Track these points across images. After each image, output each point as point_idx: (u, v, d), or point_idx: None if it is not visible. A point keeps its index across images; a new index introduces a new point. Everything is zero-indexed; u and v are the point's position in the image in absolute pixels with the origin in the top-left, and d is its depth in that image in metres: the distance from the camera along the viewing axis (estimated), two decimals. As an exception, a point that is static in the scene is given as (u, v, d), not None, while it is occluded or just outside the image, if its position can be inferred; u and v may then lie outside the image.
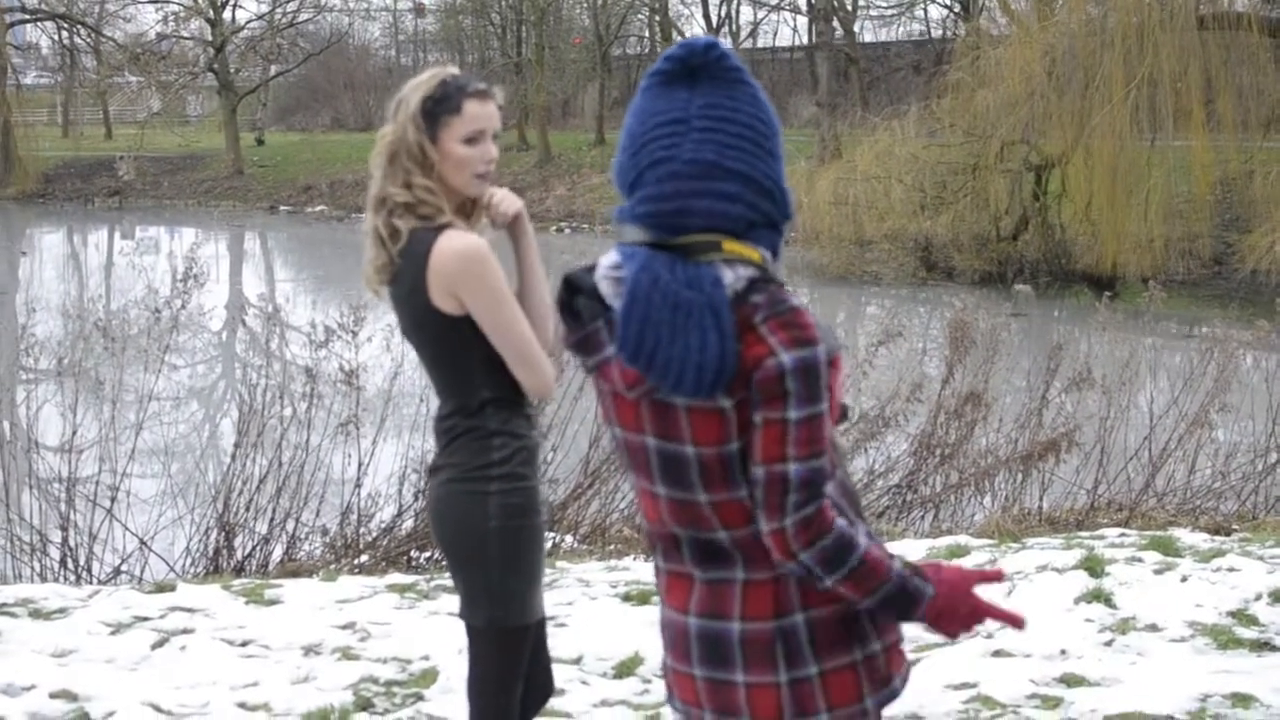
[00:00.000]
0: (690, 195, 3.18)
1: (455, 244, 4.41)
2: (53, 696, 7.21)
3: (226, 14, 73.47)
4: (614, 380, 3.26)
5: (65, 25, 78.03)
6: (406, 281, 4.45)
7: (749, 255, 3.24)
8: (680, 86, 3.25)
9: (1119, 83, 33.92)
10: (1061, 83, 35.47)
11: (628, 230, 3.25)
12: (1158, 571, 9.75)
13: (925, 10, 76.85)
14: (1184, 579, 9.45)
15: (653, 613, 8.18)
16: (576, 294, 3.31)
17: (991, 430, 15.09)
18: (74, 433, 12.36)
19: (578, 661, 7.78)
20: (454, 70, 4.61)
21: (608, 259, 3.27)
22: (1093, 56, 34.92)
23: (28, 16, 75.80)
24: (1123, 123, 34.32)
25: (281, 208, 63.63)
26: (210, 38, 72.22)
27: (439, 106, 4.50)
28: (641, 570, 10.08)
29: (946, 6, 71.76)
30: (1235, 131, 35.48)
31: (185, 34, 75.60)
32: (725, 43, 3.25)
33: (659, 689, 7.24)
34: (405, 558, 11.76)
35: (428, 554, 11.63)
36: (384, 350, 12.98)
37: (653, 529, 3.44)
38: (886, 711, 6.88)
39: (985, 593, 3.31)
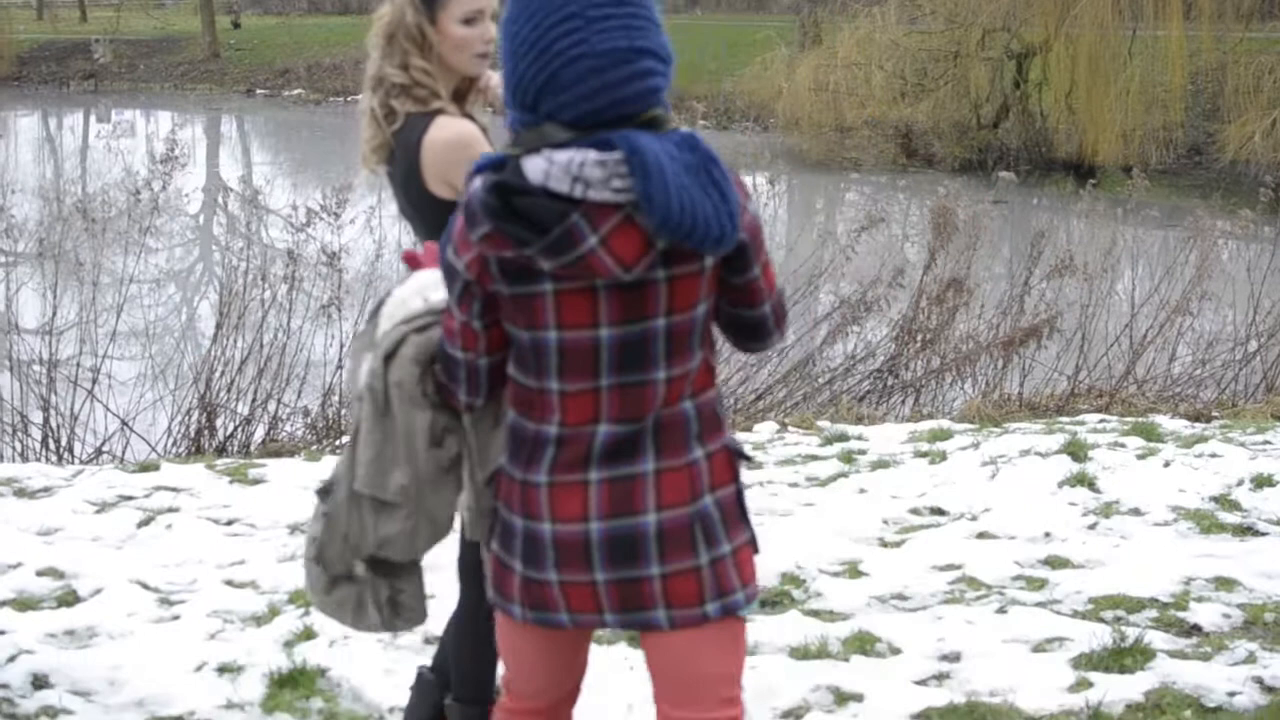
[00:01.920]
0: (616, 85, 3.23)
1: (446, 132, 4.36)
2: (39, 574, 7.20)
3: (202, -106, 72.73)
4: (601, 267, 3.24)
5: (39, -94, 77.34)
6: (402, 165, 4.42)
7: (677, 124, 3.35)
8: None
9: (1102, -30, 33.80)
10: (1044, -32, 35.35)
11: (547, 131, 3.25)
12: (1140, 456, 9.79)
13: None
14: (1166, 464, 9.48)
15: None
16: (513, 198, 3.23)
17: (973, 316, 15.12)
18: (53, 314, 12.32)
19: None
20: None
21: (559, 158, 3.20)
22: (1075, -57, 34.75)
23: (1, -103, 75.13)
24: (1104, 11, 34.25)
25: (258, 91, 63.16)
26: (185, -82, 71.61)
27: None
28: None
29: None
30: (1213, 22, 35.38)
31: (160, -86, 75.00)
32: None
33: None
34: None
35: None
36: (365, 232, 12.93)
37: (570, 433, 3.40)
38: (874, 592, 6.92)
39: None
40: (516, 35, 3.30)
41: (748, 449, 10.45)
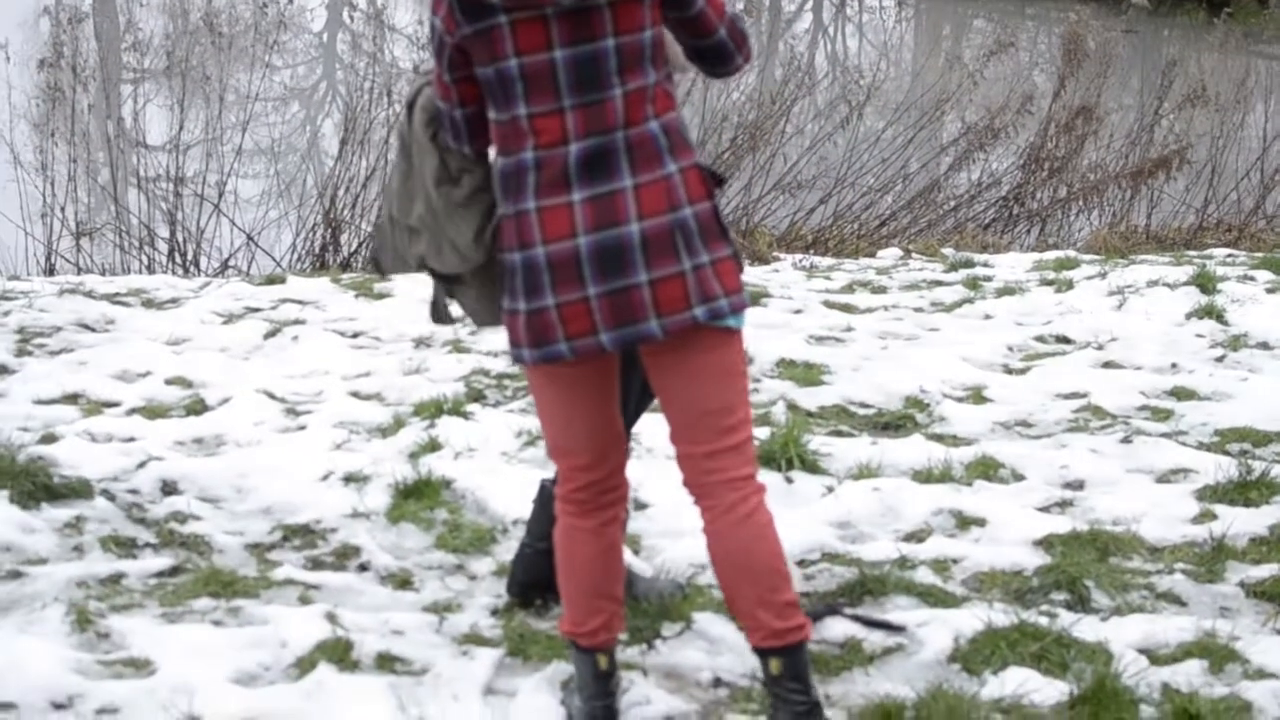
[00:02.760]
0: None
1: None
2: (168, 383, 7.30)
3: None
4: None
5: None
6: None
7: None
8: None
9: None
10: None
11: None
12: (1270, 290, 9.68)
13: None
14: (1296, 297, 9.36)
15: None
16: None
17: (1101, 146, 14.93)
18: (180, 130, 12.37)
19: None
20: None
21: None
22: None
23: None
24: None
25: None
26: None
27: None
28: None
29: None
30: None
31: None
32: None
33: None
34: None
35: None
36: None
37: (544, 155, 3.68)
38: (998, 418, 6.90)
39: None
40: None
41: (874, 274, 10.41)
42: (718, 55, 3.89)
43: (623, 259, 3.63)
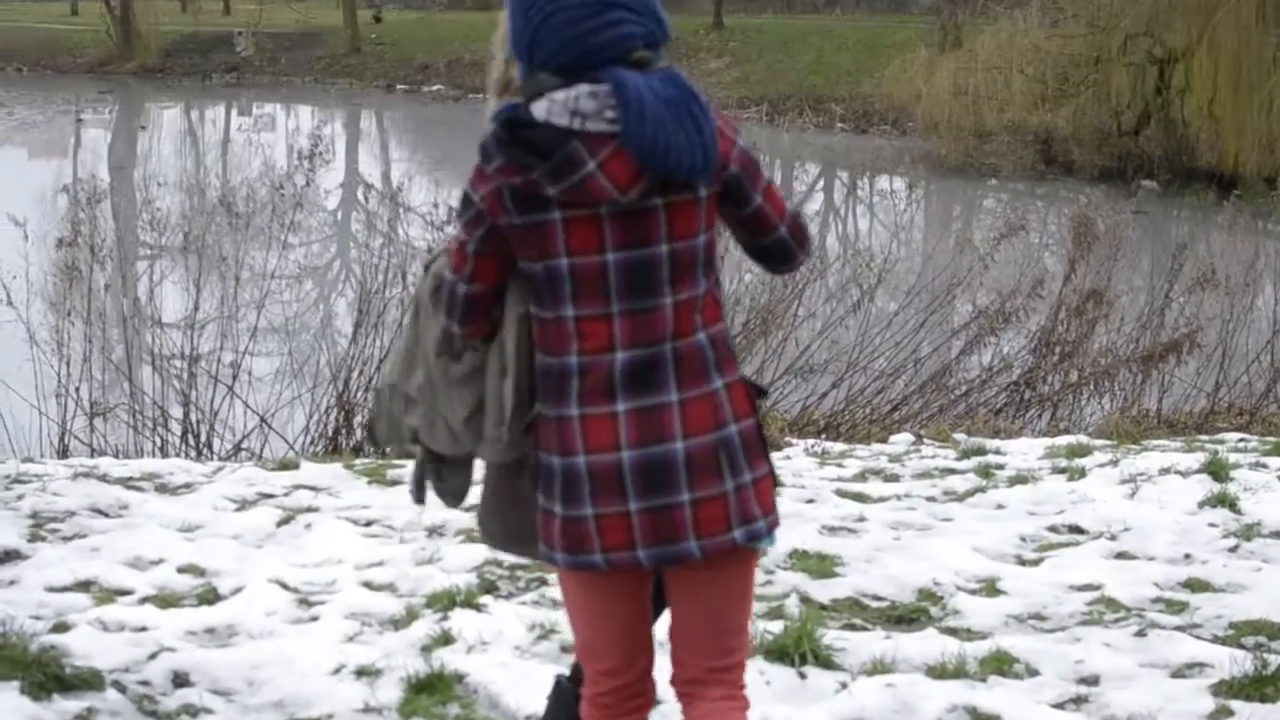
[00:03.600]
0: (590, 33, 3.57)
1: None
2: (180, 571, 7.29)
3: (346, -113, 73.14)
4: (600, 189, 3.54)
5: (186, -102, 78.16)
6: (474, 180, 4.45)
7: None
8: None
9: (1246, -25, 33.39)
10: (1186, -28, 34.94)
11: (540, 79, 3.61)
12: (1282, 478, 9.66)
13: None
14: (1309, 486, 9.35)
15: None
16: (521, 131, 3.56)
17: (1112, 329, 14.99)
18: (195, 309, 12.46)
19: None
20: None
21: (558, 96, 3.56)
22: (1219, -52, 34.33)
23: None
24: (1249, 16, 33.84)
25: (398, 86, 63.64)
26: (329, -86, 72.09)
27: None
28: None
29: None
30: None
31: (304, -90, 75.63)
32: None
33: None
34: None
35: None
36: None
37: (589, 361, 3.65)
38: (1011, 610, 6.87)
39: None
40: None
41: (886, 461, 10.41)
42: (778, 253, 3.90)
43: (666, 477, 3.61)
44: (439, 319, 3.86)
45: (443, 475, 4.06)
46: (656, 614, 4.57)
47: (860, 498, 9.26)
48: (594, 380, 3.64)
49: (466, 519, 8.16)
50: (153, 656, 6.11)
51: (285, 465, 9.77)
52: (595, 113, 3.53)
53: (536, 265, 3.65)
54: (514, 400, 3.81)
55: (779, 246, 3.87)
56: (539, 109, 3.55)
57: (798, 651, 6.14)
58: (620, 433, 3.62)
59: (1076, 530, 8.62)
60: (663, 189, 3.57)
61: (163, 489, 8.99)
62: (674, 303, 3.65)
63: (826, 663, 6.17)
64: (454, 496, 4.11)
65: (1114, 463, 10.09)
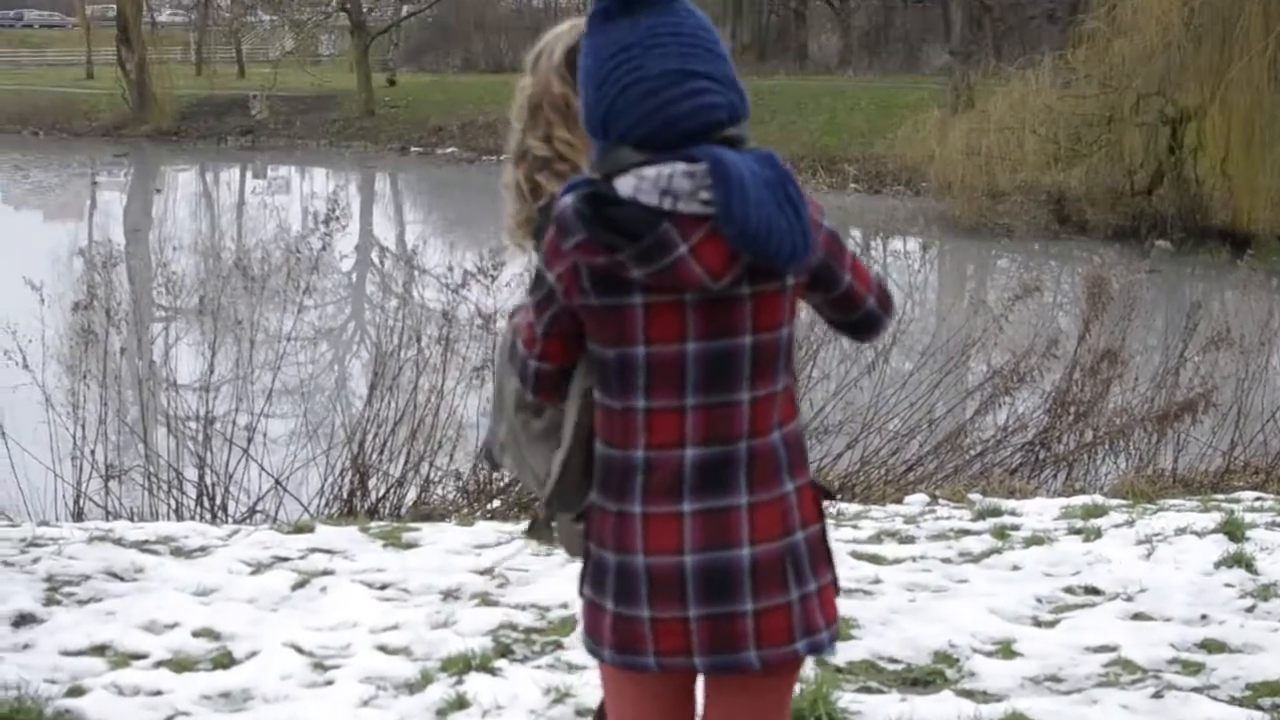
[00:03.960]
0: (670, 103, 3.39)
1: None
2: (195, 635, 7.29)
3: (360, -48, 73.51)
4: (691, 275, 3.35)
5: (200, -36, 78.63)
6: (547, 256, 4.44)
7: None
8: (620, 18, 3.45)
9: (1258, 34, 33.44)
10: (1199, 33, 35.02)
11: (621, 154, 3.42)
12: (1299, 537, 9.63)
13: (1060, -41, 75.57)
14: (1326, 546, 9.32)
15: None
16: (606, 207, 3.37)
17: (1127, 389, 14.98)
18: (210, 370, 12.49)
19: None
20: None
21: (648, 173, 3.36)
22: (1231, 7, 34.39)
23: (164, -46, 76.64)
24: (1261, 76, 33.84)
25: (412, 149, 63.77)
26: (343, -23, 72.38)
27: None
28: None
29: (1083, -45, 70.81)
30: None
31: (318, -27, 76.02)
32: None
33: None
34: (537, 503, 11.77)
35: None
36: (520, 294, 12.97)
37: (657, 456, 3.47)
38: (1028, 672, 6.85)
39: None
40: (584, 68, 3.52)
41: (901, 523, 10.39)
42: (865, 326, 3.75)
43: (730, 584, 3.43)
44: (514, 379, 3.75)
45: (551, 519, 3.89)
46: None
47: (876, 559, 9.24)
48: (660, 477, 3.47)
49: (480, 582, 8.19)
50: (168, 721, 6.12)
51: (300, 528, 9.77)
52: (689, 193, 3.33)
53: (609, 351, 3.47)
54: (558, 476, 3.69)
55: (866, 320, 3.71)
56: (625, 185, 3.36)
57: (814, 715, 6.14)
58: (685, 535, 3.44)
59: (1092, 591, 8.60)
60: (751, 277, 3.39)
61: (178, 552, 8.99)
62: (752, 399, 3.47)
63: (843, 726, 6.17)
64: (568, 548, 3.94)
65: (1130, 523, 10.07)
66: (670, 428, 3.46)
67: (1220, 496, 12.03)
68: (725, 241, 3.33)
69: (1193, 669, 7.16)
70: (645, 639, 3.49)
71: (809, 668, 6.92)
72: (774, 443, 3.50)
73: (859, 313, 3.68)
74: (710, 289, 3.36)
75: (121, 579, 8.31)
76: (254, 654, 7.01)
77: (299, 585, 8.28)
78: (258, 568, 8.65)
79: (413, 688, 6.60)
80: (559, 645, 7.10)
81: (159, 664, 6.88)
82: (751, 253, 3.32)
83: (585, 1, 76.02)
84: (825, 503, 3.70)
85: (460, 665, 6.70)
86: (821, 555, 3.59)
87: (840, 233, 3.60)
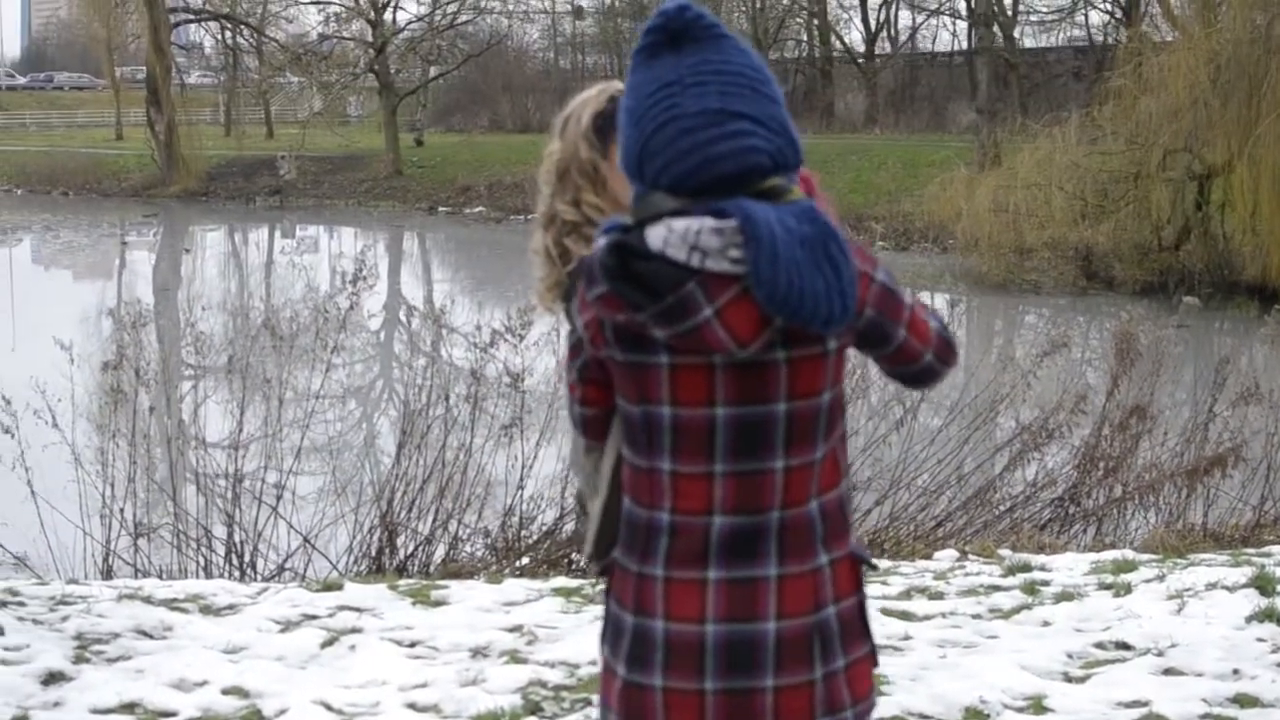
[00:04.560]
0: (707, 144, 3.18)
1: None
2: (224, 693, 7.30)
3: (387, 15, 73.67)
4: (715, 340, 3.16)
5: (229, 26, 79.16)
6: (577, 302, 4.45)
7: (800, 195, 3.27)
8: (666, 54, 3.29)
9: (1285, 91, 33.46)
10: (1226, 90, 35.00)
11: (655, 199, 3.23)
12: (1330, 592, 9.58)
13: (1086, 16, 75.51)
14: (1358, 600, 9.27)
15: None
16: (633, 260, 3.18)
17: (1156, 444, 14.93)
18: (240, 429, 12.52)
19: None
20: (619, 85, 4.55)
21: (677, 225, 3.16)
22: (1258, 64, 34.44)
23: (192, 17, 77.22)
24: (1289, 131, 33.82)
25: (440, 208, 63.91)
26: (371, 39, 72.68)
27: (610, 123, 4.42)
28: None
29: (1108, 12, 70.94)
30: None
31: (346, 35, 76.53)
32: (695, 3, 3.30)
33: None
34: (566, 561, 11.79)
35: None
36: (548, 353, 13.01)
37: (683, 521, 3.28)
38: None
39: None
40: (625, 106, 3.34)
41: (931, 579, 10.35)
42: (922, 378, 3.51)
43: (752, 659, 3.24)
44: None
45: None
46: None
47: (906, 616, 9.22)
48: (686, 543, 3.28)
49: (509, 639, 8.17)
50: (198, 779, 6.12)
51: (329, 586, 9.77)
52: (718, 250, 3.12)
53: (635, 408, 3.32)
54: (599, 524, 3.54)
55: (923, 372, 3.47)
56: (655, 237, 3.16)
57: (845, 771, 6.10)
58: (707, 603, 3.25)
59: (1123, 646, 8.56)
60: (786, 340, 3.19)
61: (207, 610, 9.00)
62: (786, 467, 3.26)
63: (874, 783, 6.13)
64: None
65: (1160, 578, 10.04)
66: (698, 494, 3.27)
67: (1251, 551, 11.98)
68: (756, 304, 3.13)
69: (1225, 725, 7.14)
70: (655, 711, 3.31)
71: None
72: (810, 513, 3.30)
73: (915, 367, 3.44)
74: (736, 356, 3.19)
75: (151, 637, 8.32)
76: (283, 712, 7.01)
77: (328, 643, 8.28)
78: (286, 625, 8.65)
79: (442, 745, 6.60)
80: (588, 702, 7.09)
81: (188, 722, 6.89)
82: (784, 316, 3.12)
83: (621, 66, 76.38)
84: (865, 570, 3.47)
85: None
86: (856, 630, 3.39)
87: (895, 284, 3.36)
